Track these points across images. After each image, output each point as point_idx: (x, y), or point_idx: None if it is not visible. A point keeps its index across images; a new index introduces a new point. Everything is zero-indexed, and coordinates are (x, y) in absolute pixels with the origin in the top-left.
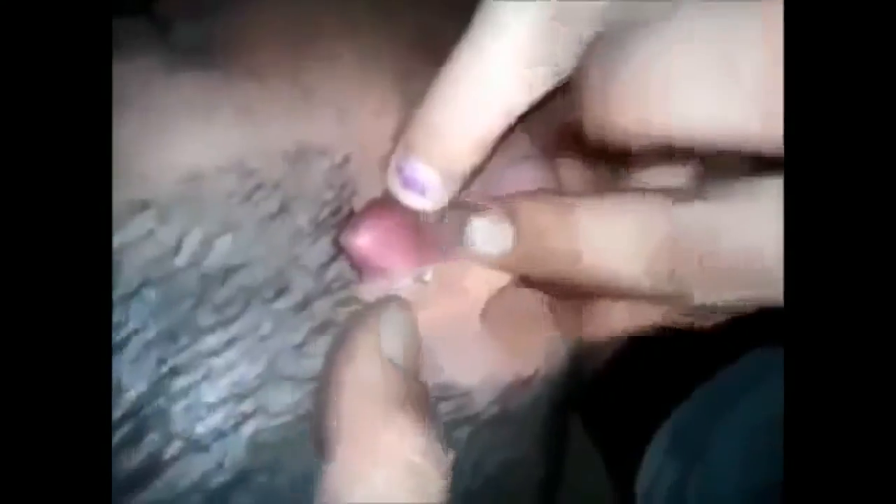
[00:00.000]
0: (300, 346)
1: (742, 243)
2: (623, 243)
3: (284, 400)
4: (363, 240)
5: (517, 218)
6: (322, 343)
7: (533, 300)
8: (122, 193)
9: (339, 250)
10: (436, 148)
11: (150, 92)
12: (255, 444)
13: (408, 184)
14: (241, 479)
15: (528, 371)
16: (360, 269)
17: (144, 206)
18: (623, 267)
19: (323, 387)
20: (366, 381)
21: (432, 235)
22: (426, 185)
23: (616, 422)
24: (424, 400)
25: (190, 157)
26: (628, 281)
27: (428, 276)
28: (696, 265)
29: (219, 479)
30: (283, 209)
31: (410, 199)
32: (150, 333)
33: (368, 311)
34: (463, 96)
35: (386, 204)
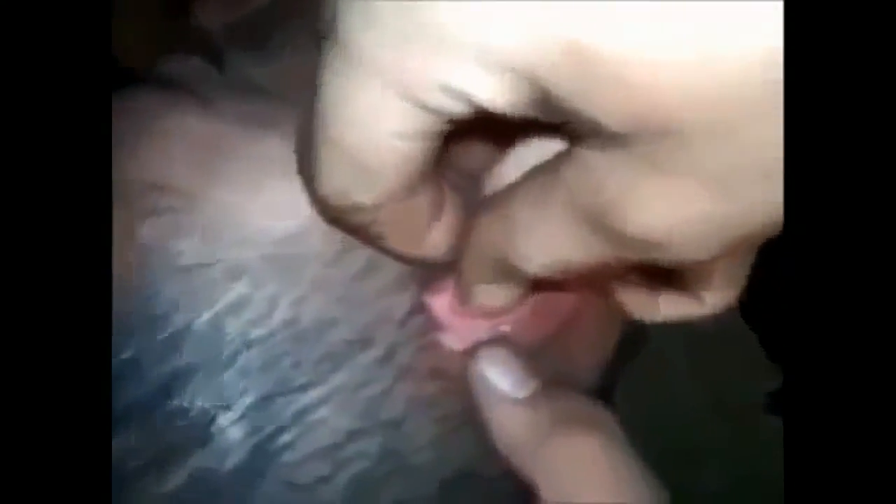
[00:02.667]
0: (386, 393)
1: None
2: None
3: (375, 445)
4: (443, 301)
5: None
6: (403, 388)
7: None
8: (222, 256)
9: (421, 307)
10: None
11: (232, 149)
12: (353, 487)
13: None
14: None
15: None
16: (441, 326)
17: (242, 271)
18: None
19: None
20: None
21: None
22: None
23: None
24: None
25: (280, 219)
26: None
27: (506, 328)
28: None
29: None
30: (369, 268)
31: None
32: (254, 393)
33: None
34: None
35: None
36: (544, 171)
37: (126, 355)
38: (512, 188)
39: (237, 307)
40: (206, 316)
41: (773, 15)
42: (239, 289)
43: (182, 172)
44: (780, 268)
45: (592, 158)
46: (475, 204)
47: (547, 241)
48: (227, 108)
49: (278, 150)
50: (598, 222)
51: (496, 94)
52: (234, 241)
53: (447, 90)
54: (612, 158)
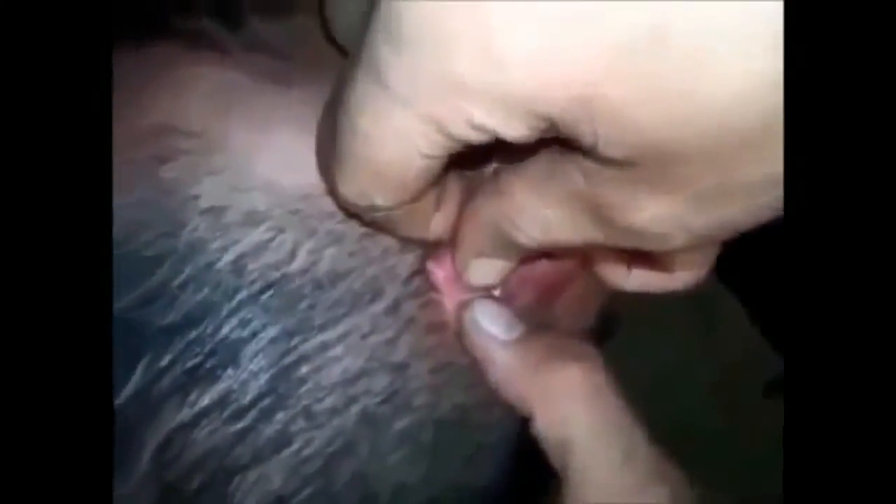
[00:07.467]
0: (392, 341)
1: None
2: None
3: (381, 384)
4: (442, 270)
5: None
6: (407, 337)
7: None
8: (239, 201)
9: (423, 268)
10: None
11: (246, 100)
12: (361, 419)
13: None
14: (351, 448)
15: None
16: (440, 287)
17: (262, 218)
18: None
19: None
20: None
21: None
22: None
23: None
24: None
25: (294, 174)
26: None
27: (497, 292)
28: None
29: (332, 449)
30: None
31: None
32: (275, 329)
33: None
34: None
35: None
36: (548, 160)
37: (152, 284)
38: (514, 170)
39: (258, 250)
40: (228, 255)
41: (770, 48)
42: (259, 234)
43: (197, 117)
44: (781, 253)
45: (595, 168)
46: (475, 183)
47: (544, 220)
48: (244, 63)
49: (290, 106)
50: (596, 213)
51: (515, 130)
52: (249, 188)
53: (472, 126)
54: (612, 173)
